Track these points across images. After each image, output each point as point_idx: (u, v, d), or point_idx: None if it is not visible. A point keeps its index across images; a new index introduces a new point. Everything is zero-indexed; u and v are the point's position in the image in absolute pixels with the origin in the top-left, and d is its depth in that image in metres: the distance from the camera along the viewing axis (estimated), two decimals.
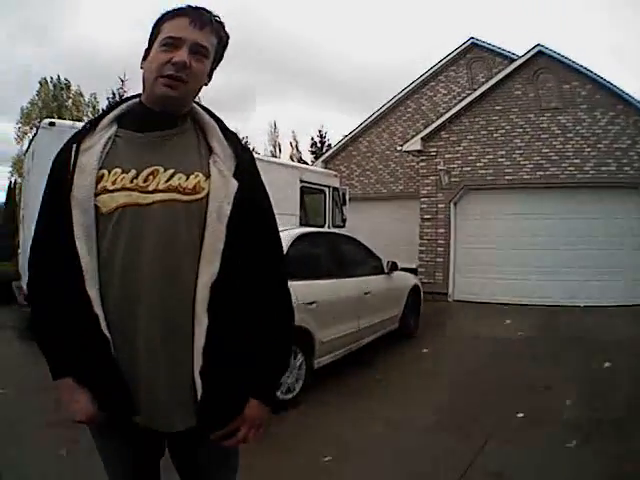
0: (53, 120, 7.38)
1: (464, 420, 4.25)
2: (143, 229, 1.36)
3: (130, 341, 1.37)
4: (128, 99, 1.56)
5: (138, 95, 1.52)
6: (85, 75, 27.05)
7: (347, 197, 11.94)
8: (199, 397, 1.38)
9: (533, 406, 4.47)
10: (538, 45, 10.89)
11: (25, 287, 7.17)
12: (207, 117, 1.51)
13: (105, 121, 1.46)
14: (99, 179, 1.38)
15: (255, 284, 1.47)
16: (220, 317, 1.38)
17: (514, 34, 37.37)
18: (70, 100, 27.27)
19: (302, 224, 9.70)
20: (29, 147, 9.07)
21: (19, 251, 8.49)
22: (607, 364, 5.64)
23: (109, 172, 1.39)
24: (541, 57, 10.91)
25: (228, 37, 1.51)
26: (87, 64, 30.89)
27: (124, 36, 35.30)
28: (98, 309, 1.34)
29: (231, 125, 1.56)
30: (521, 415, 4.25)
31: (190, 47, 1.39)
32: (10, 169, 28.14)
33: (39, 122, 8.62)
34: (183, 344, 1.38)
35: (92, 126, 1.46)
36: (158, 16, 1.45)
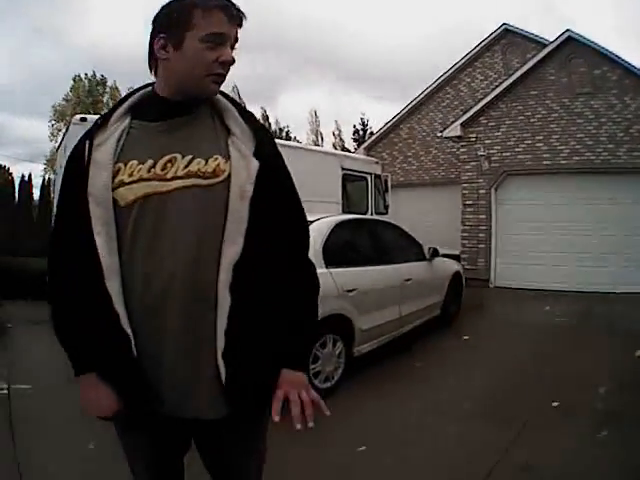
0: (84, 116, 7.56)
1: (500, 408, 4.25)
2: (165, 217, 1.35)
3: (156, 329, 1.37)
4: (138, 90, 1.53)
5: (148, 85, 1.51)
6: (110, 72, 27.63)
7: (389, 184, 11.94)
8: (223, 380, 1.36)
9: (568, 395, 4.45)
10: (567, 31, 10.73)
11: None
12: (222, 99, 1.48)
13: (117, 114, 1.44)
14: (115, 173, 1.37)
15: (280, 262, 1.45)
16: (243, 297, 1.37)
17: (547, 20, 36.16)
18: (107, 95, 27.61)
19: (344, 211, 9.78)
20: (61, 143, 9.30)
21: None
22: None
23: (125, 165, 1.37)
24: (571, 42, 10.74)
25: None
26: (108, 62, 31.34)
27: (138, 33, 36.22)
28: (119, 305, 1.34)
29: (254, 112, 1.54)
30: (556, 404, 4.24)
31: (231, 44, 1.39)
32: (44, 166, 28.76)
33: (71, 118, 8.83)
34: (207, 328, 1.36)
35: (104, 120, 1.44)
36: (183, 1, 1.37)
